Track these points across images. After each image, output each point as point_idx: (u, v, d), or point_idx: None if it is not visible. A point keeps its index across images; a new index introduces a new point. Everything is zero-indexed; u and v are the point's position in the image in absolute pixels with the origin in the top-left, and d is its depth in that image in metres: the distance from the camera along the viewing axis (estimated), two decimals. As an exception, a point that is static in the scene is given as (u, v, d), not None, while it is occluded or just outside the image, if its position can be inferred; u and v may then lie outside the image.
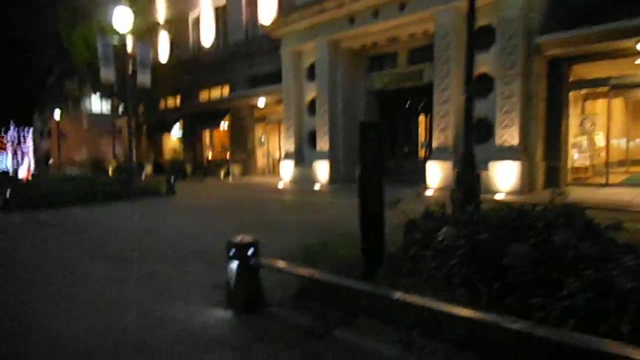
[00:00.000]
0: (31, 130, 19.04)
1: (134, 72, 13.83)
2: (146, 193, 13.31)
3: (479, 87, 11.90)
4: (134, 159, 14.11)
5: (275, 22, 16.00)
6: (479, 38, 11.71)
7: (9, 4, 13.07)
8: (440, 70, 12.10)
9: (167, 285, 4.47)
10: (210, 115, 21.93)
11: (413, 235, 4.45)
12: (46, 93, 19.30)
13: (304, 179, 15.87)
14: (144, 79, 13.67)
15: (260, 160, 21.22)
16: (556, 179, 11.40)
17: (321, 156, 15.29)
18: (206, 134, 24.25)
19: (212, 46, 22.64)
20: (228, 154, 23.00)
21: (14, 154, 18.71)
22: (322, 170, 15.22)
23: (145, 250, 5.95)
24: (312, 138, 16.28)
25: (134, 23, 13.39)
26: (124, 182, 13.49)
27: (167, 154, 28.02)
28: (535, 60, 11.06)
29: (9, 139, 18.70)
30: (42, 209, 10.98)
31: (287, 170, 16.60)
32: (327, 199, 11.72)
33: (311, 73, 16.07)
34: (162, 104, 25.93)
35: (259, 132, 21.04)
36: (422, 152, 15.57)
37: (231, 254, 3.72)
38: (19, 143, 18.70)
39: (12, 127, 18.54)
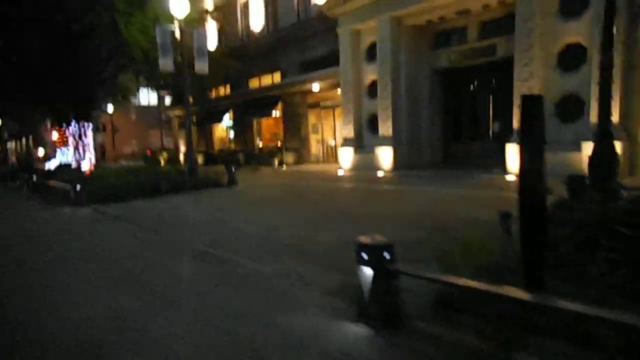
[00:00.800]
0: (91, 124, 19.27)
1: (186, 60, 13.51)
2: (208, 184, 13.04)
3: (567, 59, 10.73)
4: (194, 149, 13.86)
5: (331, 0, 15.20)
6: (570, 3, 10.52)
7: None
8: (521, 43, 10.94)
9: (273, 289, 3.93)
10: (261, 103, 21.54)
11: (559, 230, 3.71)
12: (102, 86, 19.44)
13: (365, 165, 15.14)
14: (202, 66, 13.31)
15: (314, 147, 20.66)
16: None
17: (384, 141, 14.49)
18: (257, 123, 23.93)
19: (261, 32, 22.18)
20: (279, 142, 22.65)
21: (76, 148, 19.02)
22: (384, 156, 14.43)
23: (232, 247, 5.48)
24: (373, 123, 15.49)
25: (189, 10, 13.04)
26: (186, 173, 13.29)
27: (217, 144, 28.07)
28: None
29: (70, 132, 18.98)
30: (110, 202, 10.92)
31: (346, 157, 15.92)
32: (399, 187, 10.95)
33: (371, 54, 15.22)
34: (211, 94, 25.83)
35: (312, 118, 20.44)
36: (492, 134, 14.46)
37: (363, 258, 3.10)
38: (80, 137, 18.98)
39: (73, 122, 18.76)
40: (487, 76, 14.07)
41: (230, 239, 5.97)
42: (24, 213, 10.37)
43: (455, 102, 15.26)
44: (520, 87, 11.05)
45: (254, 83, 23.22)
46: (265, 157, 20.77)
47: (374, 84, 15.27)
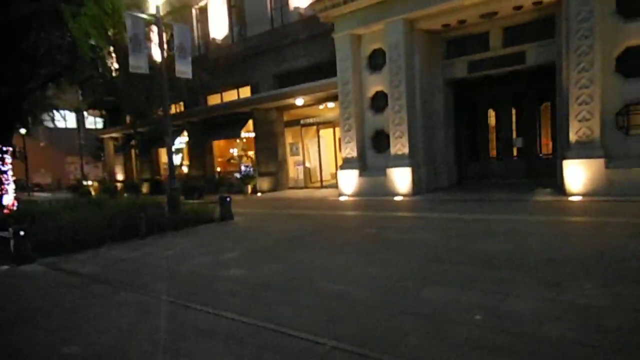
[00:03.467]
0: (10, 149, 15.01)
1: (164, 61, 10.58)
2: (195, 220, 10.03)
3: (629, 64, 9.55)
4: (174, 176, 10.71)
5: (327, 1, 13.10)
6: (629, 2, 9.41)
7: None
8: (577, 46, 9.60)
9: None
10: (228, 121, 18.64)
11: None
12: (28, 98, 15.47)
13: (373, 190, 12.99)
14: (185, 69, 10.46)
15: (292, 171, 18.10)
16: None
17: (398, 162, 12.47)
18: (217, 145, 20.84)
19: (224, 41, 19.41)
20: (246, 165, 19.78)
21: (-9, 179, 14.64)
22: (400, 178, 12.39)
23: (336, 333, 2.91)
24: (378, 140, 13.48)
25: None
26: (162, 206, 10.15)
27: (164, 169, 24.31)
28: None
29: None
30: (67, 252, 7.67)
31: (348, 181, 13.64)
32: (449, 215, 8.86)
33: (374, 62, 13.29)
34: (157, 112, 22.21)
35: (290, 138, 17.94)
36: (516, 151, 13.13)
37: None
38: (-4, 165, 14.66)
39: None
40: (511, 87, 12.78)
41: (323, 318, 3.38)
42: None
43: (472, 117, 13.79)
44: (578, 95, 9.67)
45: (214, 99, 20.24)
46: (234, 184, 17.77)
47: (378, 97, 13.33)
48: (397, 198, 12.14)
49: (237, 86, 18.83)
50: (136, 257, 7.08)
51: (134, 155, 25.53)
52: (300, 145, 17.49)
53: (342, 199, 13.38)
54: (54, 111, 25.81)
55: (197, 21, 20.52)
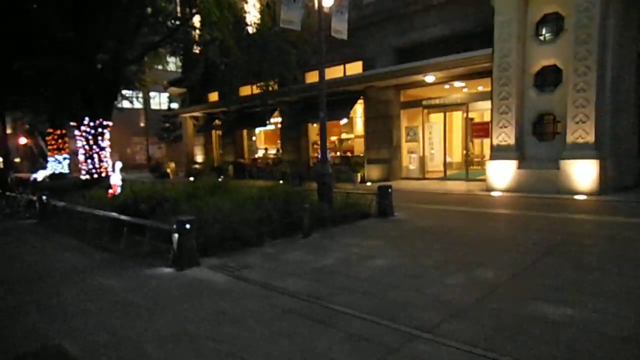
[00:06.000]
0: (110, 123, 13.77)
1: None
2: (352, 215, 8.14)
3: None
4: (319, 160, 8.86)
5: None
6: None
7: None
8: None
9: None
10: (333, 101, 16.68)
11: None
12: (125, 69, 14.23)
13: (537, 185, 10.70)
14: (341, 27, 8.59)
15: (405, 159, 15.95)
16: None
17: (578, 152, 10.10)
18: (313, 128, 19.01)
19: (331, 10, 17.33)
20: (343, 152, 17.87)
21: (89, 156, 13.42)
22: (580, 173, 10.02)
23: None
24: (541, 125, 11.15)
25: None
26: (320, 197, 8.31)
27: (248, 152, 22.86)
28: None
29: (82, 135, 13.38)
30: (230, 252, 6.01)
31: (501, 173, 11.39)
32: None
33: (545, 29, 10.89)
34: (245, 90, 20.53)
35: (405, 121, 15.78)
36: None
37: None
38: (95, 141, 13.40)
39: (86, 119, 13.20)
40: None
41: None
42: (71, 286, 5.09)
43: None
44: None
45: (312, 77, 18.27)
46: (343, 172, 15.87)
47: (545, 72, 10.95)
48: (578, 197, 9.78)
49: (344, 61, 16.79)
50: (330, 265, 5.25)
51: (216, 136, 24.24)
52: (420, 129, 15.28)
53: (495, 194, 11.14)
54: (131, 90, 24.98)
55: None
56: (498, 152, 11.50)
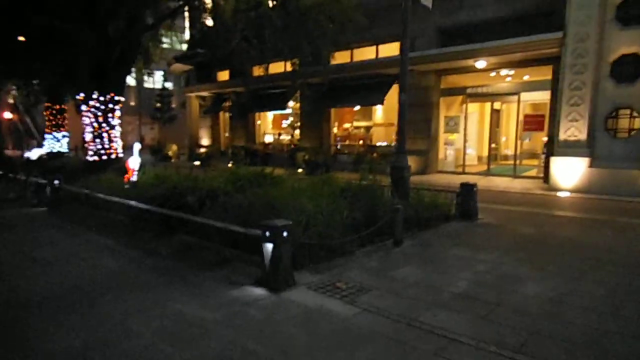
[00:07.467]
0: (122, 99, 12.21)
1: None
2: (431, 217, 6.93)
3: None
4: (396, 148, 7.60)
5: None
6: None
7: None
8: None
9: None
10: (359, 85, 15.42)
11: None
12: (141, 38, 12.67)
13: (612, 187, 9.67)
14: (428, -4, 7.21)
15: (442, 151, 14.77)
16: None
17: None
18: (335, 113, 17.67)
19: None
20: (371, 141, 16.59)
21: (98, 135, 11.86)
22: (667, 175, 8.98)
23: None
24: (616, 120, 10.04)
25: None
26: (396, 194, 7.09)
27: (260, 136, 21.38)
28: None
29: (90, 110, 11.76)
30: (316, 263, 4.78)
31: (568, 171, 10.31)
32: None
33: (629, 12, 9.72)
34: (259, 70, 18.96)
35: (443, 110, 14.56)
36: None
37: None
38: (105, 118, 11.82)
39: (95, 94, 11.61)
40: None
41: None
42: (138, 315, 3.75)
43: None
44: None
45: (342, 57, 16.79)
46: (376, 161, 14.59)
47: (626, 62, 9.82)
48: (666, 202, 8.76)
49: (376, 42, 15.44)
50: (470, 290, 4.03)
51: (224, 118, 22.67)
52: (461, 119, 14.08)
53: (562, 194, 10.05)
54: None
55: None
56: (565, 148, 10.40)
